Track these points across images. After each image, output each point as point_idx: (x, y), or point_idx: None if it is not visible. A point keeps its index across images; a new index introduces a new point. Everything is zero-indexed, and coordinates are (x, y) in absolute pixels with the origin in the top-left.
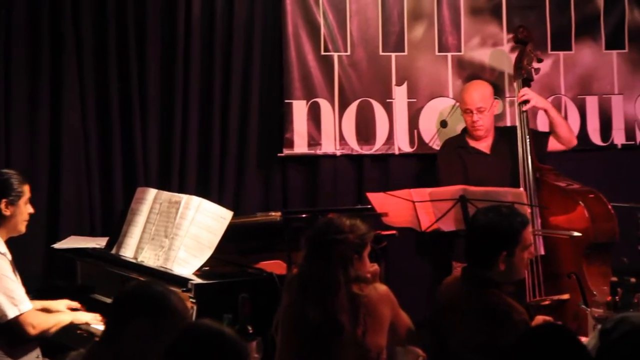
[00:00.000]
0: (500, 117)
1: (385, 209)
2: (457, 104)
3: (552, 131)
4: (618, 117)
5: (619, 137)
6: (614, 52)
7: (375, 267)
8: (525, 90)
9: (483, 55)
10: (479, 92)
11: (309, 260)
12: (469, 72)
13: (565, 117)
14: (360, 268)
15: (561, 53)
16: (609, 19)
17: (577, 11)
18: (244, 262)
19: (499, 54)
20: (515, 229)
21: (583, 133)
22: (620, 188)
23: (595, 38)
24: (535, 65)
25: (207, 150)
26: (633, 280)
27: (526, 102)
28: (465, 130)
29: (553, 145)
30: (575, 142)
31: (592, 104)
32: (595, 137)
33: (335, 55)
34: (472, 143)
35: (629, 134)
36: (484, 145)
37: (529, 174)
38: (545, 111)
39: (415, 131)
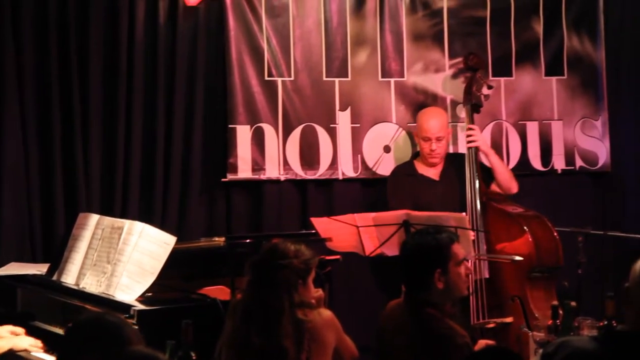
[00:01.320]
0: None
1: (330, 234)
2: (401, 129)
3: (494, 176)
4: (558, 142)
5: (559, 163)
6: (554, 78)
7: (319, 292)
8: (475, 130)
9: (426, 81)
10: (439, 120)
11: (253, 286)
12: (412, 97)
13: (507, 143)
14: (305, 293)
15: (502, 79)
16: (548, 46)
17: (518, 38)
18: (188, 288)
19: (441, 79)
20: (442, 245)
21: (524, 158)
22: (561, 212)
23: (535, 64)
24: (484, 91)
25: (150, 176)
26: (574, 304)
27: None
28: (414, 157)
29: (494, 187)
30: (515, 190)
31: (532, 129)
32: (536, 162)
33: (279, 80)
34: (422, 170)
35: (569, 159)
36: (434, 173)
37: (475, 198)
38: (486, 156)
39: (359, 156)
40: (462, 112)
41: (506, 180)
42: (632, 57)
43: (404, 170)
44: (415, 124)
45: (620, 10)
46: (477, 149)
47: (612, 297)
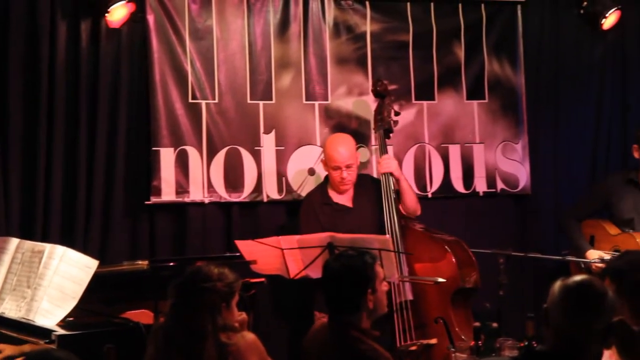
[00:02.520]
0: (365, 165)
1: (254, 257)
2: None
3: (401, 199)
4: (479, 165)
5: (480, 185)
6: (475, 102)
7: (243, 315)
8: (388, 158)
9: (349, 104)
10: (347, 148)
11: (175, 309)
12: (336, 120)
13: (430, 166)
14: (228, 317)
15: (425, 103)
16: (470, 70)
17: (440, 62)
18: (110, 312)
19: (364, 103)
20: (369, 265)
21: (446, 181)
22: (482, 234)
23: (457, 88)
24: (393, 117)
25: (72, 198)
26: (495, 325)
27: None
28: (326, 182)
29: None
30: (419, 212)
31: (454, 152)
32: (458, 185)
33: (203, 102)
34: (336, 198)
35: (490, 181)
36: (346, 199)
37: (394, 222)
38: (398, 180)
39: (284, 179)
40: (373, 137)
41: (413, 203)
42: (550, 82)
43: (319, 199)
44: None
45: (539, 35)
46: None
47: (532, 318)
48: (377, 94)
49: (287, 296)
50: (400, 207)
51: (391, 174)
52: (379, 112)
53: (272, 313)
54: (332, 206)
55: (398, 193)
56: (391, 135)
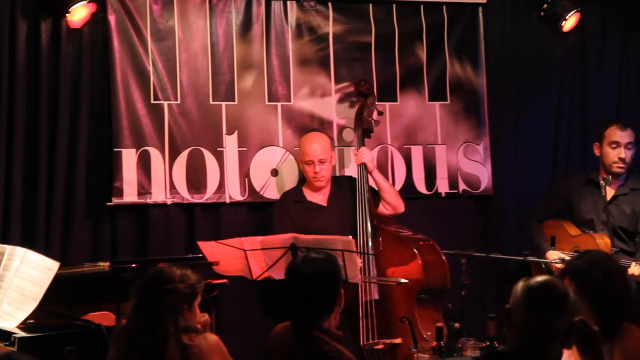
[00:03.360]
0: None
1: (217, 258)
2: (288, 152)
3: (381, 197)
4: (442, 166)
5: (442, 186)
6: (437, 103)
7: (205, 317)
8: (364, 151)
9: (312, 105)
10: (320, 143)
11: (137, 311)
12: (299, 121)
13: (392, 167)
14: (190, 318)
15: (387, 104)
16: (432, 72)
17: (402, 64)
18: (71, 314)
19: (327, 104)
20: (339, 266)
21: (409, 182)
22: (445, 235)
23: (419, 90)
24: (375, 117)
25: (32, 200)
26: (457, 325)
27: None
28: (301, 182)
29: (381, 208)
30: (402, 209)
31: (417, 153)
32: (421, 186)
33: (165, 103)
34: (310, 197)
35: (452, 182)
36: (321, 198)
37: (366, 221)
38: (371, 173)
39: (246, 179)
40: (351, 137)
41: (393, 198)
42: (511, 83)
43: (292, 197)
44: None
45: (500, 37)
46: (366, 167)
47: (494, 318)
48: (359, 93)
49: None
50: (382, 205)
51: (366, 166)
52: (360, 111)
53: (236, 313)
54: (304, 204)
55: (375, 192)
56: (371, 134)
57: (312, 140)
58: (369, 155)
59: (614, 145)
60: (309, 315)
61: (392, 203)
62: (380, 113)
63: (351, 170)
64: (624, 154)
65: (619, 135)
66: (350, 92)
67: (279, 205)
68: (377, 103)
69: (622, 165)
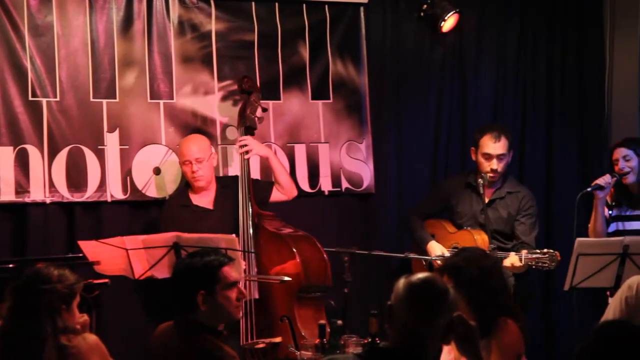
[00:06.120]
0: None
1: (98, 257)
2: (171, 151)
3: (274, 180)
4: (325, 164)
5: (325, 184)
6: (320, 102)
7: (85, 317)
8: (247, 138)
9: (195, 103)
10: (196, 144)
11: (13, 312)
12: (181, 119)
13: None
14: (69, 319)
15: (270, 102)
16: (314, 71)
17: (285, 63)
18: None
19: (210, 102)
20: (210, 267)
21: (293, 180)
22: (328, 233)
23: (302, 88)
24: (259, 114)
25: None
26: (340, 322)
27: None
28: (187, 186)
29: (275, 195)
30: (295, 192)
31: (300, 152)
32: (304, 184)
33: (44, 100)
34: (196, 200)
35: (335, 181)
36: (207, 201)
37: (247, 220)
38: (267, 159)
39: (128, 178)
40: (234, 135)
41: (288, 181)
42: (393, 83)
43: (179, 201)
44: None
45: (381, 37)
46: (248, 161)
47: (376, 315)
48: (243, 90)
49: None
50: (276, 189)
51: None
52: (243, 109)
53: (118, 313)
54: (190, 208)
55: (259, 188)
56: (255, 132)
57: (189, 141)
58: (256, 145)
59: (486, 157)
60: (176, 308)
61: (288, 186)
62: (264, 110)
63: (235, 169)
64: (496, 165)
65: (491, 147)
66: (234, 90)
67: (166, 208)
68: (260, 101)
69: (494, 175)
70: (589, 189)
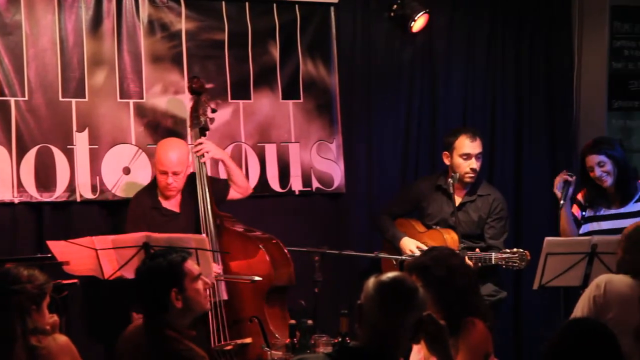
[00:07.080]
0: None
1: (67, 258)
2: (141, 150)
3: (230, 181)
4: (295, 164)
5: (296, 184)
6: (290, 102)
7: (54, 317)
8: (203, 141)
9: (164, 102)
10: (177, 155)
11: None
12: (151, 118)
13: (246, 165)
14: (39, 319)
15: (241, 102)
16: (285, 70)
17: (255, 62)
18: None
19: (180, 101)
20: (174, 264)
21: (263, 180)
22: (299, 233)
23: (272, 88)
24: (210, 115)
25: None
26: (310, 322)
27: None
28: (155, 185)
29: (232, 194)
30: (251, 190)
31: (271, 151)
32: (275, 184)
33: (12, 100)
34: (165, 203)
35: (306, 180)
36: (174, 204)
37: (209, 221)
38: (222, 162)
39: (98, 178)
40: (189, 136)
41: (243, 181)
42: (364, 83)
43: (147, 202)
44: (155, 146)
45: (352, 37)
46: (205, 163)
47: (346, 315)
48: (192, 91)
49: (106, 296)
50: (233, 189)
51: (215, 161)
52: (194, 109)
53: (87, 313)
54: (160, 211)
55: (217, 188)
56: (207, 133)
57: (169, 148)
58: (212, 147)
59: (465, 157)
60: (147, 310)
61: (244, 185)
62: (214, 110)
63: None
64: (475, 164)
65: (470, 146)
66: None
67: (133, 206)
68: (231, 101)
69: (472, 175)
70: (562, 201)
